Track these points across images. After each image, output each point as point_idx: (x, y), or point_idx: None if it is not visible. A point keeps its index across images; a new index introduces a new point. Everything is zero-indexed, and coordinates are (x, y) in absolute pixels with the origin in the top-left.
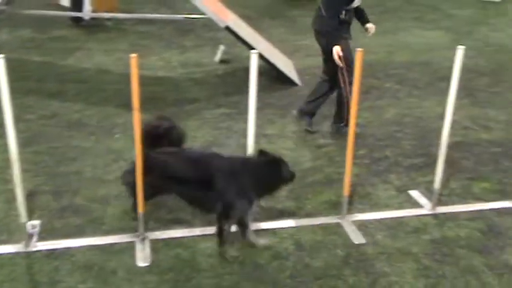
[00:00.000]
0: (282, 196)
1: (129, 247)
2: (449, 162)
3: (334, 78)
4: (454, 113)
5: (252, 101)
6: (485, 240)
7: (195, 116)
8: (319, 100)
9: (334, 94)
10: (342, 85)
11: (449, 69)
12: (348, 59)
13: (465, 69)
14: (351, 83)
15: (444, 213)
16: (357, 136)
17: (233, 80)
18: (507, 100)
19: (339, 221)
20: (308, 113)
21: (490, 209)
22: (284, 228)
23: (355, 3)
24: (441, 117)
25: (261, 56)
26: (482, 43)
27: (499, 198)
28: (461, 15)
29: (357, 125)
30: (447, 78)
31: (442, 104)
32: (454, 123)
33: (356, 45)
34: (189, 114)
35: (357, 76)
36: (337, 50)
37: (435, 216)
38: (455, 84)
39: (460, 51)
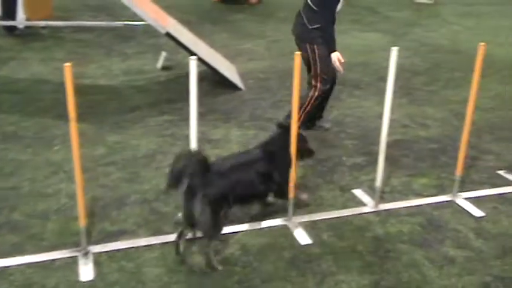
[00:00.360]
0: None
1: (71, 262)
2: (390, 160)
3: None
4: (393, 112)
5: (193, 107)
6: (426, 234)
7: (138, 123)
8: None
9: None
10: (314, 84)
11: (388, 69)
12: (325, 59)
13: (402, 69)
14: (324, 80)
15: (386, 210)
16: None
17: (176, 87)
18: (443, 98)
19: (285, 223)
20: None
21: (430, 204)
22: (231, 233)
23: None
24: (381, 116)
25: (203, 61)
26: (418, 43)
27: (437, 193)
28: (398, 17)
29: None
30: (386, 78)
31: (382, 103)
32: (394, 122)
33: (297, 48)
34: (132, 122)
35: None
36: (337, 56)
37: (378, 213)
38: (391, 84)
39: (394, 52)
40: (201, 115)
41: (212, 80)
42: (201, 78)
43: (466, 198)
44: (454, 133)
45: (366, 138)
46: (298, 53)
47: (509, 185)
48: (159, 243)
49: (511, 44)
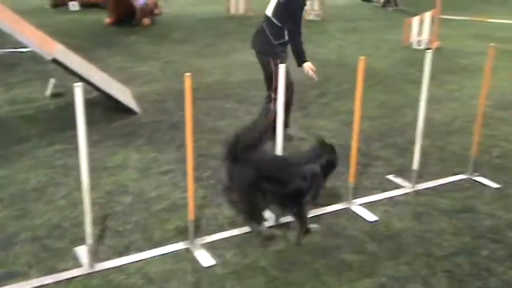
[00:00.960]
0: (127, 230)
1: None
2: None
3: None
4: (288, 126)
5: (81, 135)
6: (325, 242)
7: (26, 156)
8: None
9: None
10: (274, 97)
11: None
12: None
13: (298, 84)
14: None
15: (288, 223)
16: (203, 156)
17: (66, 114)
18: (334, 110)
19: (187, 246)
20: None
21: (328, 212)
22: (131, 263)
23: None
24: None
25: (95, 87)
26: (310, 58)
27: (334, 201)
28: None
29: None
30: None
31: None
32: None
33: (192, 68)
34: (20, 155)
35: (188, 100)
36: (309, 66)
37: (280, 226)
38: (281, 100)
39: (282, 69)
40: (95, 142)
41: (106, 105)
42: (95, 104)
43: (360, 204)
44: (346, 142)
45: None
46: (188, 74)
47: (398, 188)
48: (52, 282)
49: (391, 56)
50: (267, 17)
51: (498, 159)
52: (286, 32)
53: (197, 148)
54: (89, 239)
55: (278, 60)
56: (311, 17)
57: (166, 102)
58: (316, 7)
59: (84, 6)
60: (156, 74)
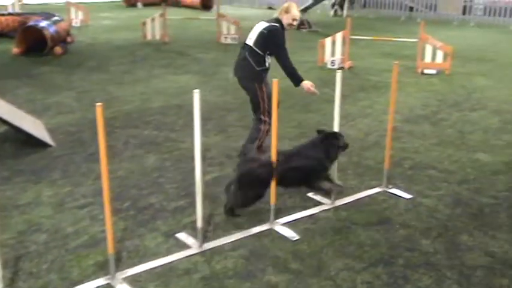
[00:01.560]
0: (42, 270)
1: None
2: (211, 198)
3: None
4: (210, 150)
5: None
6: (249, 265)
7: None
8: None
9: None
10: (264, 119)
11: (201, 110)
12: (270, 96)
13: (216, 108)
14: (270, 114)
15: (211, 249)
16: (123, 186)
17: None
18: None
19: (108, 281)
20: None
21: (251, 235)
22: None
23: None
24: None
25: (4, 121)
26: (227, 82)
27: (257, 223)
28: (207, 59)
29: None
30: (202, 118)
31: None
32: (211, 160)
33: (109, 96)
34: None
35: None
36: (306, 84)
37: (203, 253)
38: (198, 125)
39: (196, 95)
40: (5, 179)
41: (17, 139)
42: (4, 139)
43: (282, 224)
44: None
45: (186, 179)
46: (100, 104)
47: (318, 206)
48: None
49: (308, 76)
50: (249, 46)
51: (410, 171)
52: (267, 59)
53: (116, 179)
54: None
55: (262, 85)
56: (228, 41)
57: (81, 133)
58: (233, 31)
59: None
60: (70, 105)
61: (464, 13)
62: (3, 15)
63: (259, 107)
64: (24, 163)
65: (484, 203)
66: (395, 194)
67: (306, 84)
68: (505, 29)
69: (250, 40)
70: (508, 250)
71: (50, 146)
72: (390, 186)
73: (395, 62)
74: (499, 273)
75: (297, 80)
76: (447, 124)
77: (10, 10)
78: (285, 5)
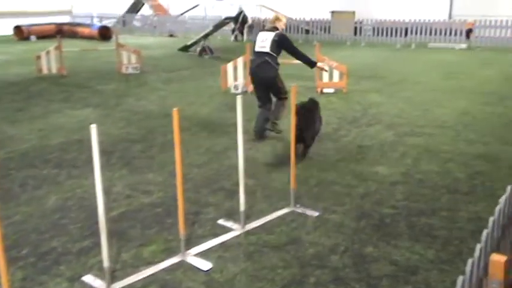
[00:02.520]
0: None
1: None
2: (118, 234)
3: (270, 100)
4: (116, 185)
5: None
6: None
7: None
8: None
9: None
10: (285, 96)
11: (103, 144)
12: (282, 82)
13: (120, 140)
14: (286, 92)
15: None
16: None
17: None
18: (160, 162)
19: None
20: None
21: (162, 269)
22: None
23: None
24: (106, 192)
25: None
26: (131, 113)
27: (167, 256)
28: (108, 90)
29: None
30: (105, 152)
31: (103, 178)
32: (117, 195)
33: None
34: None
35: None
36: (319, 65)
37: None
38: (97, 160)
39: (94, 130)
40: None
41: None
42: None
43: (194, 255)
44: (175, 194)
45: (90, 218)
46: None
47: (229, 232)
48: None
49: (212, 102)
50: (266, 53)
51: (315, 188)
52: (278, 58)
53: (12, 224)
54: None
55: (279, 75)
56: (129, 71)
57: None
58: (133, 60)
59: None
60: None
61: (355, 34)
62: None
63: (280, 91)
64: None
65: (385, 214)
66: (303, 213)
67: (319, 65)
68: (392, 47)
69: (265, 48)
70: (409, 257)
71: None
72: (298, 206)
73: (293, 85)
74: (403, 280)
75: (313, 64)
76: (347, 140)
77: None
78: (274, 16)
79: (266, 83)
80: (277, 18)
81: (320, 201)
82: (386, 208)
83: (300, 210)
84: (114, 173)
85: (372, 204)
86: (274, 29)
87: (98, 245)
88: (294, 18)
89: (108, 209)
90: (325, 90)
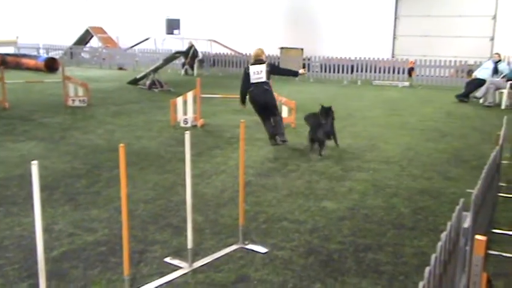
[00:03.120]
0: None
1: None
2: (58, 275)
3: (274, 114)
4: (57, 222)
5: None
6: None
7: None
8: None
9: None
10: (278, 113)
11: (47, 178)
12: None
13: (64, 175)
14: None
15: None
16: None
17: None
18: (106, 198)
19: None
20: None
21: None
22: None
23: None
24: (47, 230)
25: None
26: (77, 146)
27: None
28: (53, 123)
29: None
30: (48, 188)
31: (43, 216)
32: (59, 233)
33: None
34: None
35: None
36: (300, 71)
37: None
38: (38, 199)
39: (35, 167)
40: None
41: None
42: None
43: None
44: (121, 231)
45: (29, 258)
46: None
47: (176, 270)
48: None
49: (161, 136)
50: (264, 82)
51: (264, 225)
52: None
53: None
54: None
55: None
56: (76, 104)
57: None
58: (80, 93)
59: None
60: None
61: None
62: None
63: (277, 109)
64: None
65: (333, 249)
66: (251, 250)
67: (300, 71)
68: (339, 84)
69: (262, 78)
70: None
71: None
72: (246, 242)
73: (242, 120)
74: None
75: (295, 73)
76: (296, 175)
77: None
78: (259, 50)
79: (269, 106)
80: (262, 52)
81: (269, 237)
82: (334, 244)
83: (248, 246)
84: (57, 209)
85: (320, 240)
86: (261, 61)
87: (36, 287)
88: (244, 53)
89: (48, 249)
90: None
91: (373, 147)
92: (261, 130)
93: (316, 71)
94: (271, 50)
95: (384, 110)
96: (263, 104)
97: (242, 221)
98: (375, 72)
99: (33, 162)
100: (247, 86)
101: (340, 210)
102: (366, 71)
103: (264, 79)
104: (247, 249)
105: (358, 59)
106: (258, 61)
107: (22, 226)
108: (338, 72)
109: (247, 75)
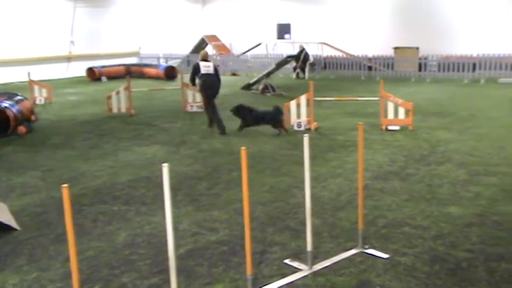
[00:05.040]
0: None
1: None
2: (185, 272)
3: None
4: (181, 222)
5: None
6: None
7: None
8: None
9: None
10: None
11: (171, 181)
12: None
13: (186, 177)
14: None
15: None
16: (94, 267)
17: None
18: (226, 199)
19: None
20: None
21: None
22: None
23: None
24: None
25: None
26: (196, 150)
27: None
28: (174, 128)
29: None
30: (172, 189)
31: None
32: (184, 232)
33: (76, 173)
34: None
35: None
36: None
37: None
38: (168, 199)
39: (165, 169)
40: None
41: None
42: None
43: None
44: (241, 232)
45: (159, 255)
46: (66, 185)
47: (296, 272)
48: None
49: (275, 139)
50: (212, 74)
51: (384, 229)
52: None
53: (85, 259)
54: None
55: None
56: (194, 109)
57: (48, 214)
58: (198, 99)
59: None
60: (35, 184)
61: (420, 70)
62: None
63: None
64: None
65: (461, 258)
66: (372, 255)
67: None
68: (459, 83)
69: (210, 70)
70: None
71: (15, 229)
72: (366, 247)
73: (360, 122)
74: None
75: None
76: (416, 179)
77: None
78: (205, 51)
79: (214, 93)
80: (207, 54)
81: (389, 242)
82: (461, 252)
83: (369, 251)
84: (181, 209)
85: (445, 247)
86: (207, 60)
87: (166, 282)
88: (356, 55)
89: (175, 247)
90: (390, 128)
91: (501, 149)
92: (376, 132)
93: (434, 70)
94: (384, 50)
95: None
96: (212, 92)
97: (361, 225)
98: (501, 69)
99: (163, 164)
100: (197, 74)
101: (466, 216)
102: (490, 69)
103: (211, 71)
104: (367, 253)
105: (480, 55)
106: (205, 60)
107: (151, 225)
108: (457, 70)
109: (197, 67)
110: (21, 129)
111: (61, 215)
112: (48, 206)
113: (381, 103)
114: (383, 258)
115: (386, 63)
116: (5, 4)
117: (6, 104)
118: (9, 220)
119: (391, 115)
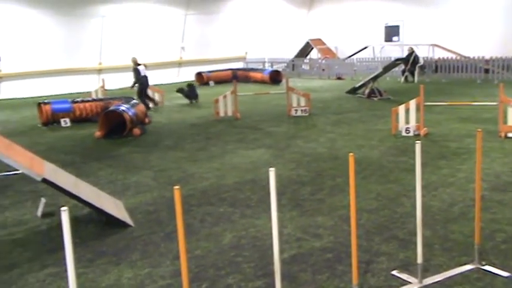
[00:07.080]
0: None
1: None
2: (288, 277)
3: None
4: (286, 226)
5: (69, 260)
6: None
7: (15, 284)
8: None
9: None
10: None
11: (276, 183)
12: None
13: (290, 182)
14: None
15: None
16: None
17: (59, 234)
18: (330, 205)
19: None
20: None
21: None
22: None
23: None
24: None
25: (86, 203)
26: (300, 154)
27: None
28: (279, 132)
29: None
30: (277, 193)
31: None
32: (288, 236)
33: (185, 174)
34: (8, 284)
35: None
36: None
37: None
38: (274, 203)
39: (272, 173)
40: (89, 261)
41: (99, 220)
42: (87, 220)
43: None
44: (346, 239)
45: (263, 258)
46: (178, 187)
47: (405, 285)
48: None
49: (382, 145)
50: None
51: (504, 245)
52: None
53: (193, 258)
54: None
55: None
56: (298, 114)
57: (159, 212)
58: (302, 103)
59: (75, 121)
60: (148, 184)
61: None
62: (88, 101)
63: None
64: (106, 244)
65: None
66: (490, 272)
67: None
68: None
69: (146, 72)
70: None
71: (129, 226)
72: (484, 263)
73: (479, 130)
74: None
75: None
76: None
77: (94, 96)
78: (136, 58)
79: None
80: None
81: (510, 259)
82: None
83: (486, 268)
84: (285, 214)
85: None
86: (138, 64)
87: (270, 286)
88: (471, 57)
89: (280, 251)
90: (510, 135)
91: None
92: (494, 139)
93: None
94: (504, 52)
95: None
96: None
97: (478, 239)
98: None
99: (270, 168)
100: (139, 76)
101: None
102: None
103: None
104: (484, 270)
105: None
106: (137, 64)
107: (256, 228)
108: None
109: (138, 70)
110: (136, 131)
111: (171, 214)
112: (159, 205)
113: (500, 108)
114: (503, 276)
115: (506, 65)
116: (124, 14)
117: (123, 107)
118: (125, 217)
119: (511, 121)
